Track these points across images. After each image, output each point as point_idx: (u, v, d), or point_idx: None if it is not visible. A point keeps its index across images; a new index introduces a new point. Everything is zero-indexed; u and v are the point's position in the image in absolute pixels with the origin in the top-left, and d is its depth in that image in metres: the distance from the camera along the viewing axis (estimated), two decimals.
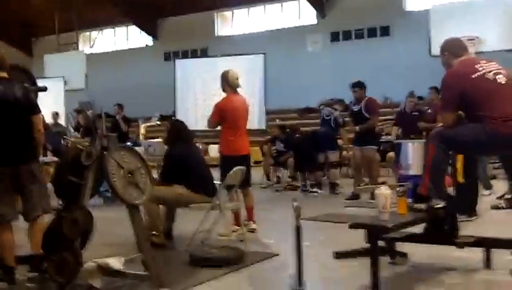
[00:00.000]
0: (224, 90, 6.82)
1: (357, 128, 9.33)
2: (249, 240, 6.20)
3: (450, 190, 6.73)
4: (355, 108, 9.46)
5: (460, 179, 6.93)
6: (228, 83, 6.76)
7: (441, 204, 4.60)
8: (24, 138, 4.70)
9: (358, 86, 9.50)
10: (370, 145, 9.33)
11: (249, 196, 6.81)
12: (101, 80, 22.26)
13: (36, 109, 4.85)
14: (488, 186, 9.04)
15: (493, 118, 4.31)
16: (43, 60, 17.89)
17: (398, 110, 12.05)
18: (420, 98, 11.12)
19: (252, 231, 6.66)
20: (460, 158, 6.87)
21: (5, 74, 4.82)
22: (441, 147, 4.51)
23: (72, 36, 18.90)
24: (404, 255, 5.14)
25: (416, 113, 10.70)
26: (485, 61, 4.65)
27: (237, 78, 6.82)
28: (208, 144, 18.96)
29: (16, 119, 4.68)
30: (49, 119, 13.00)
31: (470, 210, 7.01)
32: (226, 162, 6.53)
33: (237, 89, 6.82)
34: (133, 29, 26.11)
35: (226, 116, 6.63)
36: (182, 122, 6.93)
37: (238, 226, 6.58)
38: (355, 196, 9.30)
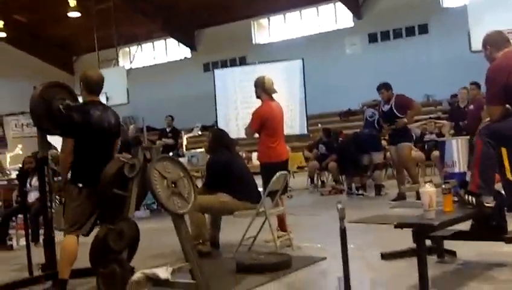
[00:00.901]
0: (259, 97, 6.79)
1: (388, 127, 9.35)
2: (296, 245, 6.19)
3: (498, 186, 6.62)
4: (385, 108, 9.42)
5: (509, 175, 6.81)
6: (264, 89, 6.73)
7: (491, 203, 4.50)
8: (109, 160, 4.83)
9: (384, 87, 9.45)
10: (403, 142, 9.25)
11: (283, 205, 6.78)
12: (143, 94, 22.56)
13: (119, 133, 5.14)
14: None
15: None
16: None
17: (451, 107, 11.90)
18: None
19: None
20: (505, 155, 6.76)
21: (99, 98, 5.06)
22: (489, 142, 4.42)
23: (112, 52, 19.16)
24: (452, 253, 5.06)
25: (471, 107, 10.46)
26: None
27: (273, 84, 6.81)
28: (250, 151, 19.02)
29: (107, 144, 4.90)
30: None
31: None
32: (268, 170, 6.48)
33: (273, 95, 6.81)
34: (171, 42, 26.41)
35: (267, 123, 6.62)
36: (222, 130, 6.98)
37: (283, 231, 6.56)
38: (401, 197, 9.19)
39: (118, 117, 5.14)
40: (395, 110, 9.22)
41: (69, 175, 5.02)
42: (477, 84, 10.31)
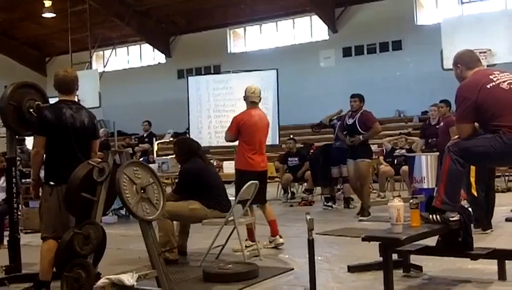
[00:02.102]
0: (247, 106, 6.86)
1: (351, 140, 9.07)
2: (264, 255, 6.20)
3: (464, 203, 6.71)
4: (350, 121, 9.21)
5: (474, 192, 6.94)
6: (245, 97, 6.83)
7: (455, 217, 4.56)
8: (84, 160, 4.76)
9: (358, 97, 9.33)
10: (363, 158, 9.05)
11: (268, 211, 6.81)
12: (115, 98, 22.38)
13: (97, 134, 5.08)
14: None
15: (510, 128, 4.28)
16: None
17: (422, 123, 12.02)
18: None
19: (280, 245, 6.68)
20: (473, 172, 6.88)
21: (73, 98, 5.01)
22: (457, 160, 4.47)
23: (85, 55, 19.02)
24: (418, 268, 5.10)
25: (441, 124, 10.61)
26: (498, 72, 4.64)
27: (253, 92, 6.82)
28: (221, 160, 18.99)
29: (80, 143, 4.83)
30: None
31: (485, 223, 6.99)
32: (242, 178, 6.51)
33: (256, 103, 6.85)
34: (146, 47, 26.29)
35: (243, 130, 6.63)
36: (187, 139, 6.97)
37: (252, 241, 6.56)
38: (364, 210, 9.06)
39: (93, 118, 5.05)
40: (358, 125, 9.07)
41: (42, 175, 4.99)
42: (446, 102, 10.47)
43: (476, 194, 6.97)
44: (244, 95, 6.86)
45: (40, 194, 4.97)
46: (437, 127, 10.52)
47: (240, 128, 6.64)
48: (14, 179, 5.51)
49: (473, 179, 6.96)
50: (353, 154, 9.13)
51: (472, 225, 6.85)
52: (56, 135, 4.76)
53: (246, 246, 6.29)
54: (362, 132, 9.00)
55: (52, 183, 4.73)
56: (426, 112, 15.22)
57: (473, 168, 6.81)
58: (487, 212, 7.10)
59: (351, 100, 9.31)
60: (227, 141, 7.06)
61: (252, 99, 6.81)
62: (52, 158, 4.79)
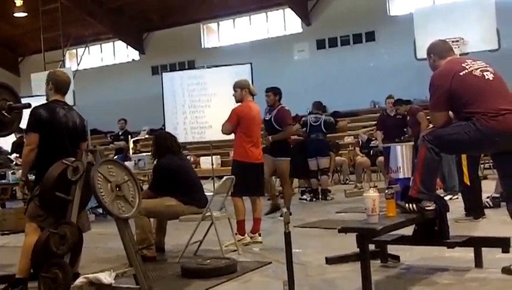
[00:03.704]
0: (239, 101, 6.83)
1: (270, 137, 8.49)
2: (242, 250, 6.20)
3: (440, 192, 6.76)
4: (267, 117, 8.64)
5: (467, 181, 7.01)
6: (250, 90, 6.84)
7: (431, 206, 4.60)
8: None
9: (272, 90, 8.74)
10: (283, 156, 8.53)
11: (258, 208, 6.83)
12: (90, 96, 22.17)
13: (86, 135, 5.17)
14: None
15: (483, 114, 4.32)
16: (30, 78, 17.86)
17: (379, 114, 12.14)
18: (408, 101, 11.20)
19: (258, 243, 6.67)
20: (464, 161, 6.96)
21: (64, 99, 5.08)
22: (432, 148, 4.50)
23: (58, 54, 18.83)
24: (396, 257, 5.15)
25: (400, 117, 10.78)
26: (471, 60, 4.69)
27: (251, 85, 6.98)
28: (198, 156, 18.96)
29: (71, 143, 4.91)
30: None
31: (477, 211, 7.08)
32: (242, 169, 6.55)
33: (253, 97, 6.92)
34: (120, 44, 26.09)
35: (243, 122, 6.66)
36: (165, 134, 6.91)
37: (241, 235, 6.59)
38: (275, 208, 8.69)
39: (83, 119, 5.16)
40: (273, 122, 8.54)
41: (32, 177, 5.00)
42: (400, 101, 10.74)
43: (468, 182, 7.04)
44: (247, 87, 6.85)
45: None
46: (397, 117, 10.72)
47: (240, 120, 6.66)
48: None
49: (465, 168, 7.03)
50: (272, 151, 8.48)
51: (464, 213, 7.04)
52: (50, 134, 4.82)
53: (238, 240, 6.34)
54: (279, 128, 8.49)
55: None
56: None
57: (464, 156, 6.89)
58: (477, 200, 7.18)
59: (265, 95, 8.74)
60: (224, 133, 7.03)
61: (253, 92, 6.90)
62: (45, 158, 4.77)
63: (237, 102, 6.89)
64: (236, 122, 6.70)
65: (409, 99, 11.73)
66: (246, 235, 6.63)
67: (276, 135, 8.41)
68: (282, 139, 8.49)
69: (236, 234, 6.48)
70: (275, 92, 8.74)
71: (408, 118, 10.58)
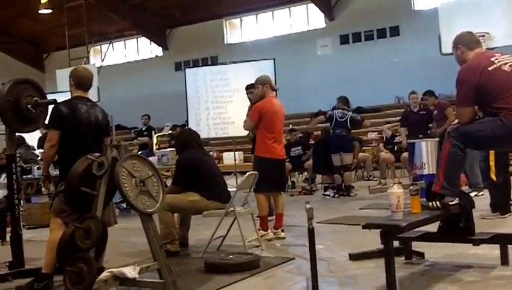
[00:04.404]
0: (262, 97, 6.78)
1: (250, 133, 7.78)
2: (265, 246, 6.20)
3: (465, 188, 6.69)
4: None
5: (493, 176, 6.92)
6: (272, 86, 6.83)
7: (455, 201, 4.56)
8: None
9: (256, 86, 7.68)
10: None
11: (280, 203, 6.81)
12: (114, 92, 22.35)
13: (109, 131, 5.22)
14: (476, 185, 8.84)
15: (511, 110, 4.27)
16: (55, 75, 18.04)
17: (403, 110, 12.06)
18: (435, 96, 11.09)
19: (281, 239, 6.64)
20: (492, 156, 6.87)
21: (87, 95, 5.13)
22: (457, 145, 4.45)
23: (83, 50, 18.98)
24: (420, 254, 5.11)
25: (424, 112, 10.69)
26: (499, 54, 4.62)
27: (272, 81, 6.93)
28: (221, 151, 19.01)
29: (94, 139, 4.95)
30: None
31: (504, 207, 6.98)
32: (264, 165, 6.54)
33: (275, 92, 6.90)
34: (143, 40, 26.24)
35: (265, 117, 6.64)
36: (190, 129, 6.95)
37: (264, 230, 6.59)
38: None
39: (106, 115, 5.20)
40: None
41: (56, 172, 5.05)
42: (430, 93, 10.61)
43: (494, 178, 6.94)
44: (268, 83, 6.82)
45: (52, 189, 5.04)
46: (420, 113, 10.62)
47: (261, 116, 6.65)
48: (14, 176, 5.52)
49: (492, 163, 6.94)
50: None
51: (490, 209, 6.94)
52: (71, 130, 4.86)
53: (261, 236, 6.35)
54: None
55: None
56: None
57: (492, 152, 6.80)
58: (505, 196, 7.07)
59: (246, 92, 8.30)
60: (246, 129, 7.07)
61: (274, 88, 6.89)
62: (67, 154, 4.84)
63: (258, 99, 6.86)
64: (257, 119, 6.70)
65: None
66: (269, 230, 6.63)
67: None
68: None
69: (259, 229, 6.48)
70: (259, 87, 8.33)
71: (435, 112, 10.45)
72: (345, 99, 11.06)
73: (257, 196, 6.63)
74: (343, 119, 10.55)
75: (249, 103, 7.86)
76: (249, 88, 8.10)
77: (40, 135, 11.35)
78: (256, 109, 6.75)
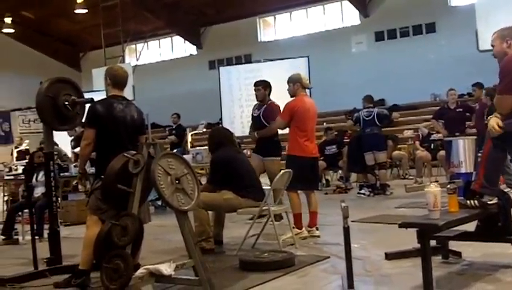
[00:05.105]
0: (293, 95, 6.79)
1: (256, 134, 7.80)
2: (299, 244, 6.18)
3: (503, 187, 6.57)
4: (256, 113, 8.00)
5: None
6: (303, 84, 6.79)
7: (494, 200, 4.48)
8: None
9: (262, 83, 7.96)
10: (272, 156, 7.75)
11: (313, 201, 6.78)
12: (149, 90, 22.57)
13: (144, 129, 5.23)
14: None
15: None
16: (91, 74, 18.30)
17: (440, 106, 11.91)
18: (470, 94, 10.94)
19: (316, 237, 6.62)
20: None
21: (122, 93, 5.17)
22: (498, 143, 4.37)
23: (118, 49, 19.23)
24: (457, 254, 5.03)
25: (461, 110, 10.53)
26: None
27: (305, 78, 6.90)
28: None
29: (130, 138, 4.99)
30: None
31: None
32: (297, 163, 6.50)
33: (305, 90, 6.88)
34: (177, 39, 26.40)
35: (297, 116, 6.63)
36: (223, 128, 6.95)
37: (299, 228, 6.57)
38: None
39: (141, 113, 5.23)
40: (262, 118, 7.82)
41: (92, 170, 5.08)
42: (480, 85, 10.35)
43: None
44: (299, 81, 6.80)
45: (88, 186, 5.10)
46: (457, 110, 10.45)
47: (293, 115, 6.64)
48: (52, 173, 5.61)
49: None
50: (260, 150, 7.84)
51: None
52: (107, 129, 4.91)
53: (295, 234, 6.32)
54: (267, 125, 7.71)
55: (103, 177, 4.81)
56: (462, 95, 15.03)
57: None
58: None
59: (254, 89, 8.04)
60: (278, 128, 7.09)
61: (306, 86, 6.86)
62: (103, 152, 4.91)
63: (291, 96, 6.84)
64: (289, 118, 6.68)
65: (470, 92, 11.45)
66: (304, 229, 6.61)
67: (261, 131, 7.67)
68: (268, 135, 7.68)
69: (293, 227, 6.46)
70: (265, 86, 7.96)
71: (477, 106, 10.22)
72: (369, 97, 10.96)
73: (290, 194, 6.62)
74: (369, 118, 10.47)
75: (283, 100, 7.84)
76: (257, 85, 7.97)
77: (70, 136, 11.61)
78: (287, 108, 6.74)
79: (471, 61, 15.86)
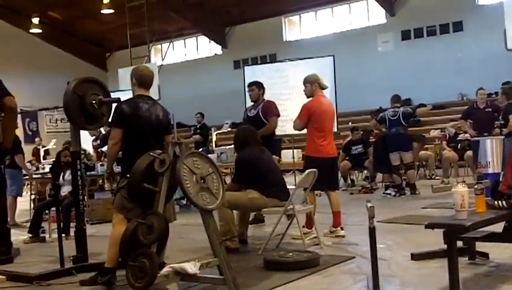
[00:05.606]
0: (310, 96, 6.79)
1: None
2: (324, 244, 6.16)
3: None
4: (252, 113, 8.03)
5: None
6: (320, 85, 6.79)
7: None
8: None
9: (256, 84, 8.12)
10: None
11: (335, 201, 6.76)
12: (174, 90, 22.68)
13: (170, 129, 5.20)
14: None
15: None
16: (118, 74, 18.43)
17: (468, 106, 11.78)
18: (497, 94, 10.78)
19: (341, 237, 6.59)
20: None
21: (148, 93, 5.20)
22: None
23: (144, 49, 19.33)
24: (484, 255, 4.97)
25: (490, 110, 10.39)
26: None
27: (320, 78, 6.88)
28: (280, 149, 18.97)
29: (155, 137, 5.01)
30: None
31: None
32: (315, 164, 6.47)
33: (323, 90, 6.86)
34: (203, 39, 26.49)
35: (314, 117, 6.63)
36: (248, 127, 6.94)
37: (309, 229, 6.54)
38: (257, 220, 7.74)
39: (167, 113, 5.25)
40: (261, 116, 7.84)
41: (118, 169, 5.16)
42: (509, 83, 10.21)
43: None
44: (316, 81, 6.79)
45: (114, 185, 5.15)
46: (486, 110, 10.30)
47: (311, 116, 6.65)
48: (79, 172, 5.67)
49: None
50: None
51: None
52: (133, 128, 4.94)
53: (304, 233, 6.27)
54: (267, 123, 7.80)
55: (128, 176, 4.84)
56: (490, 94, 14.82)
57: None
58: None
59: (248, 89, 8.24)
60: (296, 129, 7.08)
61: (323, 86, 6.84)
62: (129, 152, 4.94)
63: (308, 97, 6.82)
64: (306, 119, 6.67)
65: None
66: (313, 229, 6.53)
67: (261, 130, 7.41)
68: (267, 134, 7.62)
69: (303, 227, 6.42)
70: (258, 86, 8.12)
71: (506, 105, 10.08)
72: (397, 97, 10.87)
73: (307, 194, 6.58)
74: (395, 117, 10.37)
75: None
76: (251, 85, 8.18)
77: (91, 136, 11.76)
78: (305, 108, 6.72)
79: (500, 60, 15.66)
